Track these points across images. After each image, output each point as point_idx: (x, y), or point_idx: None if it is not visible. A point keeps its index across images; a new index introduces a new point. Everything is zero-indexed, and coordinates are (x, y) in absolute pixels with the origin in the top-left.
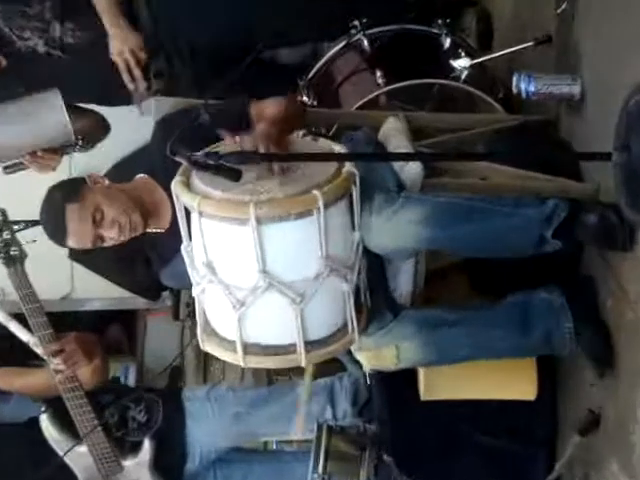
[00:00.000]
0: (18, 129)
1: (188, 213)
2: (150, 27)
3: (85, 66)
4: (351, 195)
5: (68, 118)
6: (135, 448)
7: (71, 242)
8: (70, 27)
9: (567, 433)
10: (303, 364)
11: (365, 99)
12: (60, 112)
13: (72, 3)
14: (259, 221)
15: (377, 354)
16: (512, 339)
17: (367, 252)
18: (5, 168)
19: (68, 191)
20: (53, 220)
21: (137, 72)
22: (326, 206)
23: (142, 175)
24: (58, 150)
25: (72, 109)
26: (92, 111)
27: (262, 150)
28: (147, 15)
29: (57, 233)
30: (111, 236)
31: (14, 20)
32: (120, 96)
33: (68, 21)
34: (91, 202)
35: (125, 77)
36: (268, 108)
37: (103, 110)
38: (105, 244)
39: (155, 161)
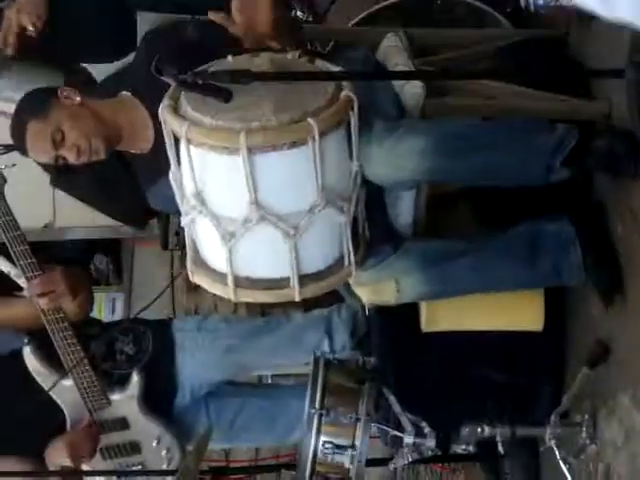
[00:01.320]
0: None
1: (177, 139)
2: None
3: (65, 22)
4: (349, 123)
5: None
6: (123, 381)
7: (32, 156)
8: None
9: (575, 365)
10: (297, 299)
11: (363, 14)
12: None
13: None
14: (250, 151)
15: (376, 288)
16: (519, 271)
17: (365, 181)
18: None
19: (35, 104)
20: (16, 133)
21: (12, 39)
22: (322, 135)
23: (125, 92)
24: None
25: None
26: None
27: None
28: None
29: (19, 147)
30: (69, 158)
31: None
32: (102, 52)
33: None
34: (53, 121)
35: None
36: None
37: None
38: (68, 162)
39: (139, 78)
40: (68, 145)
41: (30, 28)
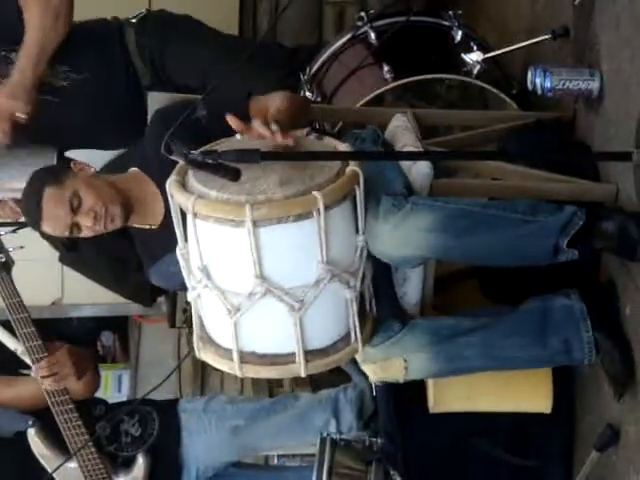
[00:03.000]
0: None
1: (184, 214)
2: (140, 62)
3: (79, 108)
4: (355, 197)
5: None
6: (128, 464)
7: (46, 227)
8: (63, 70)
9: (584, 448)
10: (303, 374)
11: (371, 95)
12: None
13: (63, 46)
14: (256, 223)
15: (383, 366)
16: (529, 348)
17: (372, 257)
18: None
19: (50, 174)
20: (30, 203)
21: (7, 128)
22: (327, 208)
23: (135, 169)
24: None
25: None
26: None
27: (271, 132)
28: (136, 49)
29: (33, 216)
30: (86, 224)
31: None
32: (114, 139)
33: (60, 64)
34: (70, 186)
35: None
36: (274, 100)
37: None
38: (82, 234)
39: (149, 155)
40: (85, 209)
41: (22, 116)
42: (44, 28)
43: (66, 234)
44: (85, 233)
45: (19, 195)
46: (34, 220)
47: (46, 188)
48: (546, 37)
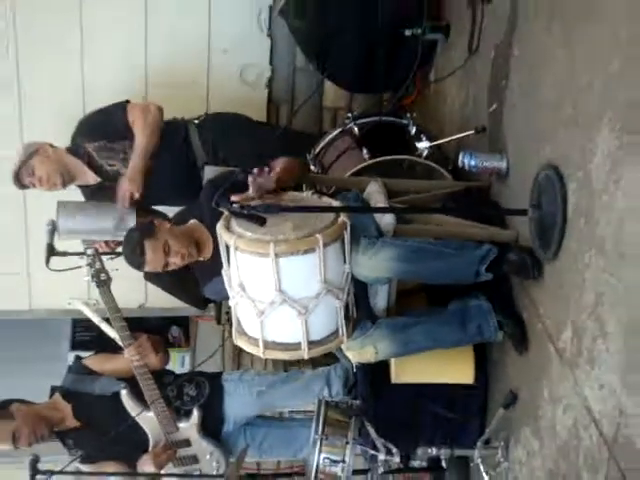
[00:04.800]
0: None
1: (228, 247)
2: (199, 148)
3: (153, 182)
4: (343, 238)
5: None
6: (187, 415)
7: (147, 267)
8: None
9: (494, 407)
10: (306, 357)
11: (355, 169)
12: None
13: None
14: (276, 255)
15: (361, 352)
16: (455, 333)
17: (354, 278)
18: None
19: (144, 231)
20: (135, 253)
21: (127, 204)
22: (325, 245)
23: (194, 220)
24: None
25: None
26: (158, 212)
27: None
28: (198, 139)
29: (137, 262)
30: (175, 262)
31: (103, 153)
32: (177, 200)
33: None
34: (162, 238)
35: (119, 198)
36: (279, 162)
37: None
38: (169, 268)
39: (204, 211)
40: (173, 252)
41: (136, 195)
42: (147, 136)
43: (159, 270)
44: (173, 267)
45: (108, 236)
46: (138, 265)
47: (145, 241)
48: (471, 132)
